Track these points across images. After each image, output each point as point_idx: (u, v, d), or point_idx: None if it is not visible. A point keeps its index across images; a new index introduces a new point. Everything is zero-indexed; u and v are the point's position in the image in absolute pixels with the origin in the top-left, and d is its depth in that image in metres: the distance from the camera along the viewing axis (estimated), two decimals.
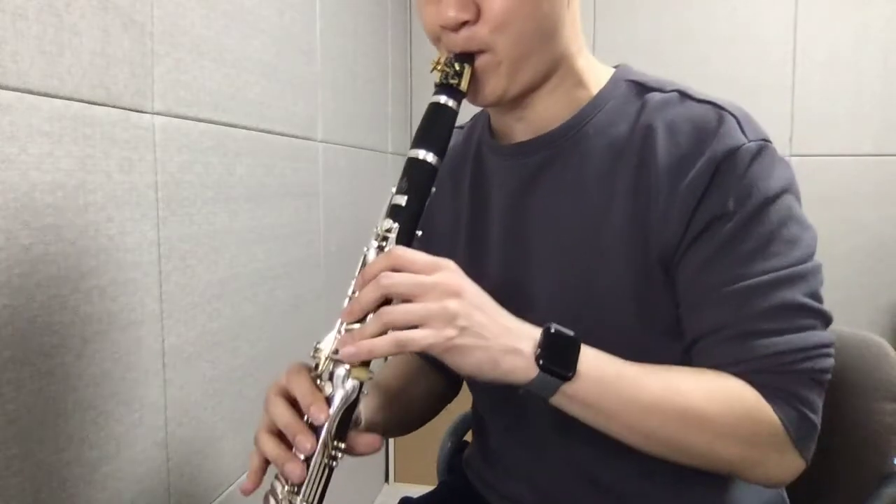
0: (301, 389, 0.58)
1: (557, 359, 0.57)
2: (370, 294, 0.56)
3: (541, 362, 0.56)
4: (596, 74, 0.72)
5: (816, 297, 0.62)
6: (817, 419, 0.62)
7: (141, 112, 0.90)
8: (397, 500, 0.87)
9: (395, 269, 0.56)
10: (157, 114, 0.93)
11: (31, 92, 0.72)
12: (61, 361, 0.77)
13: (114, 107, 0.85)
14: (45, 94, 0.74)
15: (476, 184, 0.79)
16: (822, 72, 2.07)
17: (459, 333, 0.54)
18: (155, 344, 0.94)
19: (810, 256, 0.63)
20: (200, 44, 1.03)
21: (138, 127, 0.90)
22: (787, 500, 0.78)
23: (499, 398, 0.77)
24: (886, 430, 0.79)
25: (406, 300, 0.55)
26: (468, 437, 1.02)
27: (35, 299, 0.73)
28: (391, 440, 2.16)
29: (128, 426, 0.89)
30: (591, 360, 0.59)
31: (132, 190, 0.88)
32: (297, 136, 1.39)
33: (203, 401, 1.07)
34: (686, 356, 0.66)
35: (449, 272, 0.57)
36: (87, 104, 0.80)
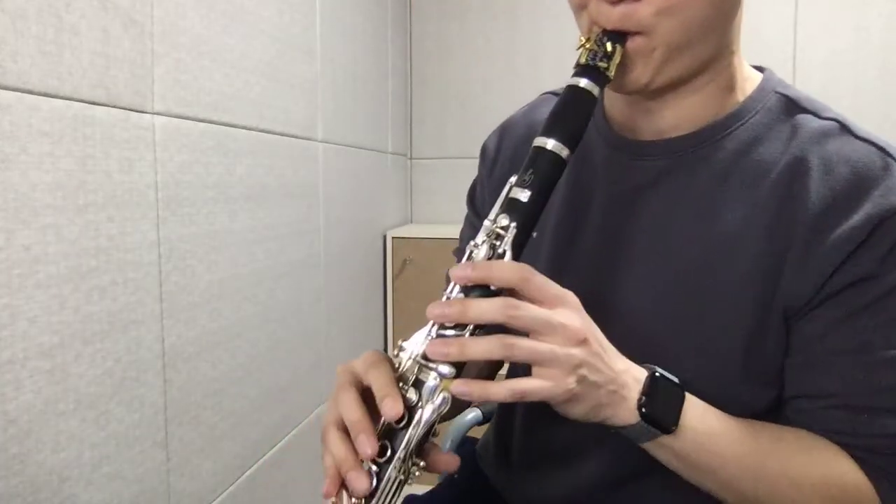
0: (383, 391, 0.50)
1: (660, 410, 0.54)
2: (490, 314, 0.49)
3: (643, 410, 0.53)
4: (745, 79, 0.64)
5: None
6: None
7: (141, 112, 0.90)
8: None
9: (520, 290, 0.50)
10: (157, 114, 0.93)
11: (31, 92, 0.72)
12: (61, 361, 0.77)
13: (114, 107, 0.85)
14: (45, 94, 0.74)
15: (577, 174, 0.70)
16: (822, 72, 2.07)
17: (579, 383, 0.50)
18: (155, 344, 0.94)
19: None
20: (200, 44, 1.03)
21: (138, 127, 0.90)
22: None
23: (545, 406, 0.74)
24: None
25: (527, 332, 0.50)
26: (469, 434, 1.02)
27: (35, 299, 0.73)
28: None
29: (128, 426, 0.89)
30: (695, 413, 0.55)
31: (132, 190, 0.88)
32: (297, 136, 1.39)
33: (203, 401, 1.07)
34: (776, 405, 0.62)
35: (572, 311, 0.51)
36: (87, 104, 0.80)
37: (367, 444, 0.49)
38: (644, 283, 0.63)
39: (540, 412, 0.75)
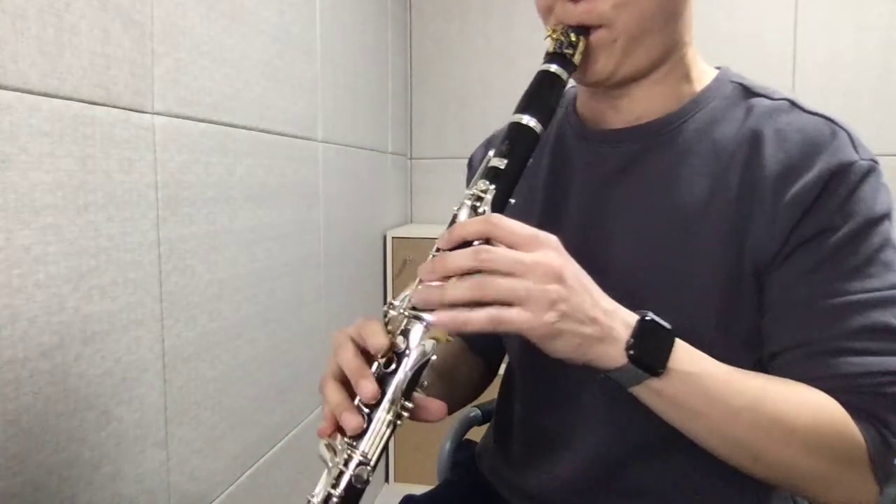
0: (375, 339, 0.54)
1: (649, 351, 0.55)
2: (462, 261, 0.52)
3: (631, 353, 0.54)
4: (701, 71, 0.71)
5: None
6: None
7: (141, 112, 0.90)
8: (397, 500, 0.87)
9: (491, 237, 0.53)
10: (157, 114, 0.93)
11: (31, 92, 0.72)
12: (61, 361, 0.77)
13: (114, 107, 0.85)
14: (45, 94, 0.74)
15: (556, 166, 0.76)
16: (822, 72, 2.07)
17: (559, 318, 0.51)
18: (155, 344, 0.94)
19: None
20: (200, 44, 1.03)
21: (138, 127, 0.90)
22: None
23: (547, 388, 0.75)
24: None
25: (503, 275, 0.52)
26: (468, 435, 1.02)
27: (35, 299, 0.73)
28: (391, 440, 2.16)
29: (128, 426, 0.89)
30: (684, 356, 0.57)
31: (132, 190, 0.88)
32: (297, 136, 1.39)
33: (203, 401, 1.07)
34: (759, 367, 0.64)
35: (550, 250, 0.53)
36: (87, 104, 0.80)
37: (368, 388, 0.53)
38: (625, 264, 0.68)
39: (538, 396, 0.77)
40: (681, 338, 0.58)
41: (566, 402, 0.73)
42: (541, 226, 0.73)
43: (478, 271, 0.52)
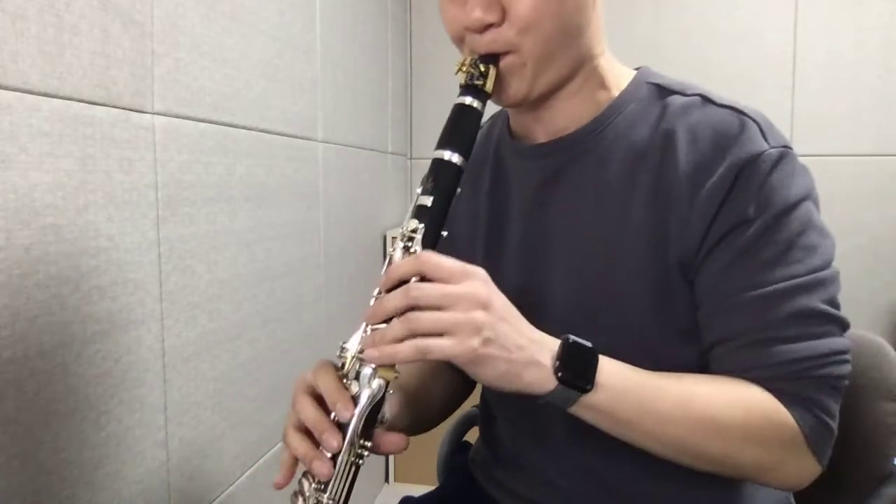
0: (328, 387, 0.58)
1: (576, 371, 0.57)
2: (396, 301, 0.56)
3: (560, 374, 0.57)
4: (617, 76, 0.72)
5: (834, 303, 0.63)
6: (834, 424, 0.62)
7: (141, 112, 0.90)
8: (397, 500, 0.87)
9: (422, 275, 0.56)
10: (157, 114, 0.93)
11: (31, 92, 0.72)
12: (61, 361, 0.77)
13: (114, 107, 0.85)
14: (45, 94, 0.74)
15: (495, 185, 0.79)
16: (822, 72, 2.07)
17: (483, 344, 0.54)
18: (155, 344, 0.94)
19: (829, 264, 0.63)
20: (200, 44, 1.03)
21: (138, 127, 0.90)
22: (792, 500, 0.78)
23: (513, 400, 0.77)
24: (886, 430, 0.79)
25: (433, 309, 0.55)
26: (467, 437, 1.02)
27: (35, 299, 0.73)
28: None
29: (128, 426, 0.89)
30: (610, 371, 0.59)
31: (132, 190, 0.88)
32: (297, 136, 1.39)
33: (203, 401, 1.07)
34: (702, 360, 0.66)
35: (477, 281, 0.56)
36: (87, 104, 0.80)
37: (333, 439, 0.57)
38: (564, 272, 0.70)
39: (507, 405, 0.80)
40: (622, 339, 0.62)
41: (531, 414, 0.75)
42: (487, 244, 0.75)
43: (413, 307, 0.55)
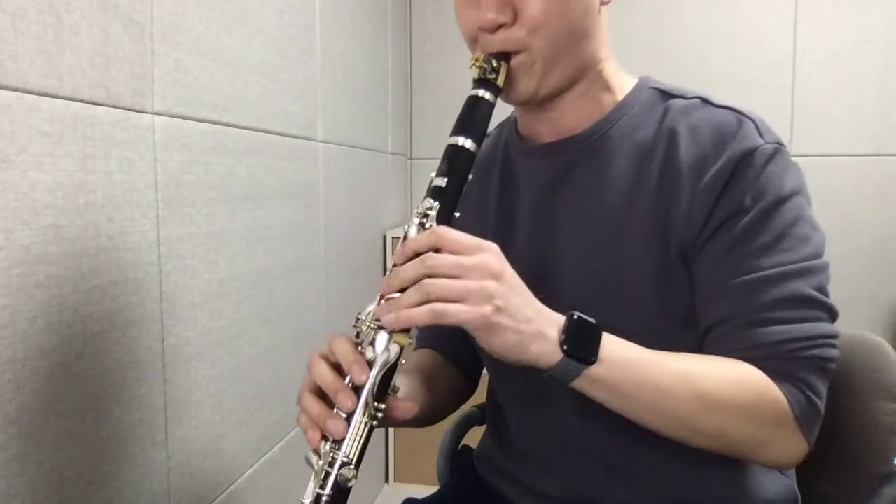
0: (343, 351, 0.60)
1: (580, 344, 0.60)
2: (412, 271, 0.58)
3: (565, 347, 0.59)
4: (621, 81, 0.76)
5: (824, 291, 0.66)
6: (821, 404, 0.65)
7: (141, 112, 0.90)
8: (397, 501, 0.87)
9: (438, 246, 0.58)
10: (157, 114, 0.93)
11: (31, 92, 0.72)
12: (61, 361, 0.77)
13: (114, 107, 0.85)
14: (45, 94, 0.74)
15: (504, 185, 0.83)
16: (822, 72, 2.07)
17: (494, 312, 0.56)
18: (155, 344, 0.94)
19: (819, 255, 0.66)
20: (200, 44, 1.03)
21: (138, 127, 0.90)
22: (798, 493, 0.78)
23: (521, 388, 0.80)
24: (886, 430, 0.79)
25: (448, 278, 0.57)
26: (467, 440, 1.02)
27: (35, 299, 0.73)
28: (391, 440, 2.16)
29: (128, 426, 0.89)
30: (612, 345, 0.61)
31: (132, 190, 0.88)
32: (297, 136, 1.39)
33: (203, 401, 1.07)
34: (700, 344, 0.69)
35: (490, 254, 0.59)
36: (87, 104, 0.80)
37: (348, 399, 0.58)
38: (572, 264, 0.74)
39: (515, 397, 0.82)
40: (626, 325, 0.64)
41: (539, 401, 0.77)
42: (496, 238, 0.79)
43: (428, 276, 0.57)
